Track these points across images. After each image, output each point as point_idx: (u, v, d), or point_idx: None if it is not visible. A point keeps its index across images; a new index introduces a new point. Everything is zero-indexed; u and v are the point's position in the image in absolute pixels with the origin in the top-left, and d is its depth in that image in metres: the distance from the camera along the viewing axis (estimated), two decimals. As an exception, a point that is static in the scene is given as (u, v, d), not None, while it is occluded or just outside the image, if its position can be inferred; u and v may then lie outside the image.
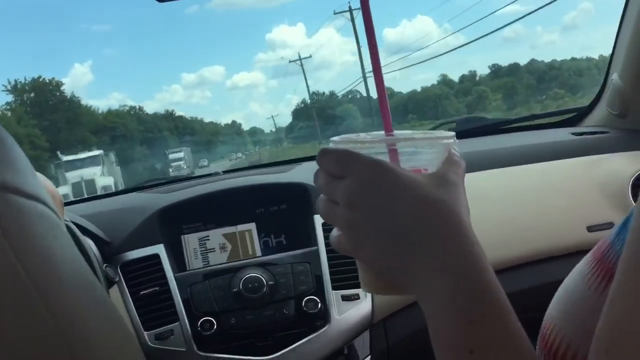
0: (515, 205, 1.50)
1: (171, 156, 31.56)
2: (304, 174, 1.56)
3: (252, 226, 1.45)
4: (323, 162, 0.59)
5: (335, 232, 0.60)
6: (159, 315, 1.30)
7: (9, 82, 37.10)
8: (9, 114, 35.25)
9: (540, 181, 1.56)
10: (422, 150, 0.59)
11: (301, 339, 1.28)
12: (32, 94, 38.00)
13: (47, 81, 39.37)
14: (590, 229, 1.38)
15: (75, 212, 1.35)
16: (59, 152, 26.18)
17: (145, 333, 1.27)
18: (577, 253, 1.29)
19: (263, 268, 1.34)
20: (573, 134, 1.81)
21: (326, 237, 1.36)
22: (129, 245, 1.39)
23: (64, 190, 18.39)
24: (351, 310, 1.32)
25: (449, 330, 0.51)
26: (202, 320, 1.27)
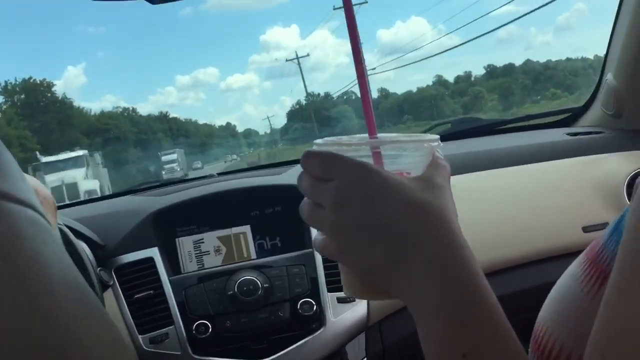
0: (510, 206, 1.50)
1: (164, 158, 30.71)
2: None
3: (246, 229, 1.45)
4: (307, 165, 0.58)
5: (319, 235, 0.60)
6: (154, 318, 1.29)
7: (-1, 83, 36.92)
8: (-1, 115, 35.14)
9: (536, 182, 1.56)
10: (406, 154, 0.58)
11: (296, 342, 1.28)
12: (23, 95, 37.62)
13: (38, 82, 39.05)
14: (586, 229, 1.38)
15: (69, 216, 1.34)
16: (37, 153, 23.96)
17: (140, 337, 1.27)
18: (572, 254, 1.28)
19: (258, 271, 1.33)
20: (568, 134, 1.81)
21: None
22: (123, 249, 1.38)
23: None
24: (347, 312, 1.31)
25: (441, 335, 0.51)
26: (197, 323, 1.26)
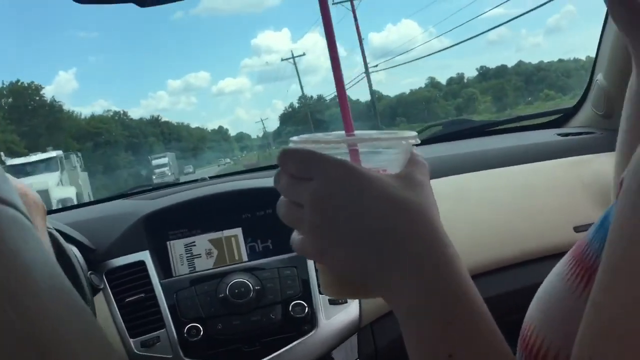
0: (501, 207, 1.50)
1: (154, 162, 29.70)
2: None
3: (238, 231, 1.44)
4: (285, 163, 0.56)
5: (296, 235, 0.58)
6: (145, 322, 1.28)
7: (-14, 87, 36.45)
8: (-14, 119, 34.69)
9: (527, 182, 1.56)
10: (383, 151, 0.57)
11: (289, 344, 1.27)
12: (10, 99, 37.08)
13: (26, 85, 38.46)
14: (577, 229, 1.38)
15: (60, 221, 1.34)
16: (2, 154, 21.28)
17: (131, 340, 1.26)
18: (564, 253, 1.29)
19: (250, 273, 1.33)
20: (559, 134, 1.81)
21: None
22: (114, 252, 1.38)
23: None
24: (339, 314, 1.31)
25: (426, 335, 0.51)
26: (188, 326, 1.26)
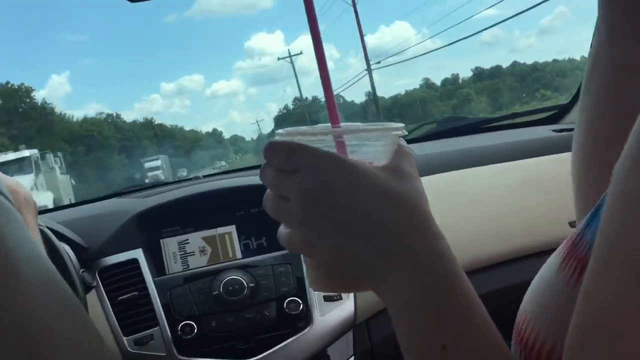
0: (497, 203, 1.50)
1: (147, 165, 28.59)
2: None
3: (232, 229, 1.44)
4: (271, 156, 0.55)
5: (283, 229, 0.57)
6: (138, 320, 1.28)
7: (-25, 90, 35.89)
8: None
9: (522, 178, 1.56)
10: (369, 143, 0.57)
11: (283, 341, 1.27)
12: (0, 101, 36.90)
13: (16, 87, 37.93)
14: (572, 224, 1.38)
15: (53, 219, 1.33)
16: None
17: (124, 338, 1.25)
18: (559, 249, 1.29)
19: (244, 270, 1.32)
20: (554, 130, 1.81)
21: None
22: (107, 251, 1.37)
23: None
24: (333, 310, 1.30)
25: (419, 327, 0.50)
26: (182, 324, 1.25)
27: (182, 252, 1.40)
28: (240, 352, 1.26)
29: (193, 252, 1.40)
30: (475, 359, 0.49)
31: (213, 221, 1.44)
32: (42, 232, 1.08)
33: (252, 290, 1.29)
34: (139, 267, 1.34)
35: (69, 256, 1.17)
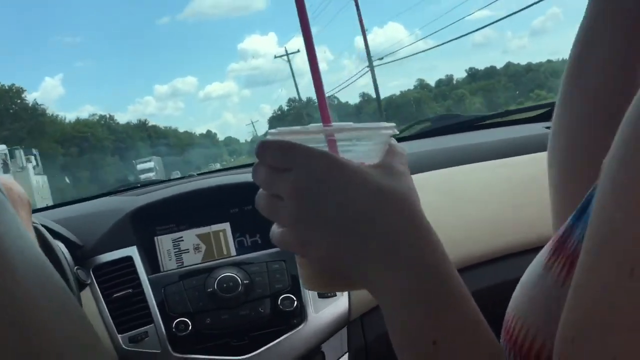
0: (490, 199, 1.50)
1: (139, 167, 27.67)
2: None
3: (226, 226, 1.44)
4: (263, 155, 0.56)
5: (276, 228, 0.57)
6: (133, 317, 1.28)
7: (-36, 91, 35.29)
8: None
9: (515, 175, 1.56)
10: (361, 142, 0.57)
11: (278, 338, 1.27)
12: (-10, 102, 36.28)
13: (7, 88, 37.32)
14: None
15: (47, 218, 1.33)
16: None
17: (119, 336, 1.25)
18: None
19: (238, 267, 1.33)
20: (546, 127, 1.81)
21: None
22: (101, 248, 1.37)
23: None
24: (328, 307, 1.31)
25: (410, 323, 0.50)
26: (176, 321, 1.25)
27: (177, 250, 1.40)
28: (234, 348, 1.26)
29: (187, 249, 1.41)
30: (466, 355, 0.49)
31: (207, 218, 1.44)
32: (36, 230, 1.09)
33: (247, 287, 1.29)
34: (133, 265, 1.34)
35: (63, 254, 1.17)
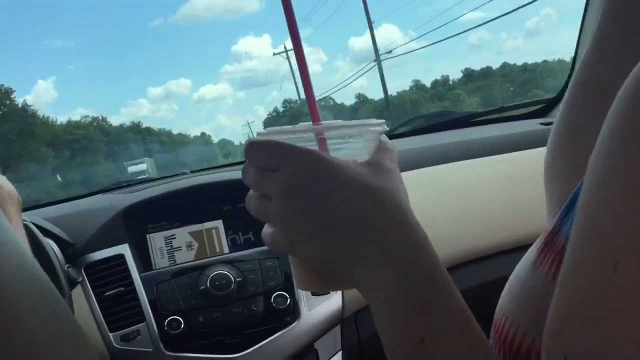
0: (485, 196, 1.50)
1: (130, 169, 26.68)
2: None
3: (219, 223, 1.43)
4: (252, 156, 0.55)
5: (267, 228, 0.57)
6: (125, 315, 1.27)
7: (-51, 92, 35.21)
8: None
9: (509, 171, 1.56)
10: (351, 140, 0.57)
11: (271, 335, 1.26)
12: (-24, 103, 35.96)
13: None
14: (559, 216, 1.38)
15: (38, 216, 1.32)
16: None
17: (110, 334, 1.24)
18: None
19: (231, 265, 1.32)
20: (541, 124, 1.81)
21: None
22: (93, 246, 1.36)
23: None
24: (321, 305, 1.30)
25: (398, 321, 0.50)
26: (169, 319, 1.24)
27: (169, 247, 1.39)
28: (227, 346, 1.25)
29: (180, 247, 1.40)
30: (454, 353, 0.49)
31: (200, 216, 1.43)
32: (26, 228, 1.08)
33: (239, 284, 1.28)
34: (125, 263, 1.33)
35: (54, 252, 1.17)
